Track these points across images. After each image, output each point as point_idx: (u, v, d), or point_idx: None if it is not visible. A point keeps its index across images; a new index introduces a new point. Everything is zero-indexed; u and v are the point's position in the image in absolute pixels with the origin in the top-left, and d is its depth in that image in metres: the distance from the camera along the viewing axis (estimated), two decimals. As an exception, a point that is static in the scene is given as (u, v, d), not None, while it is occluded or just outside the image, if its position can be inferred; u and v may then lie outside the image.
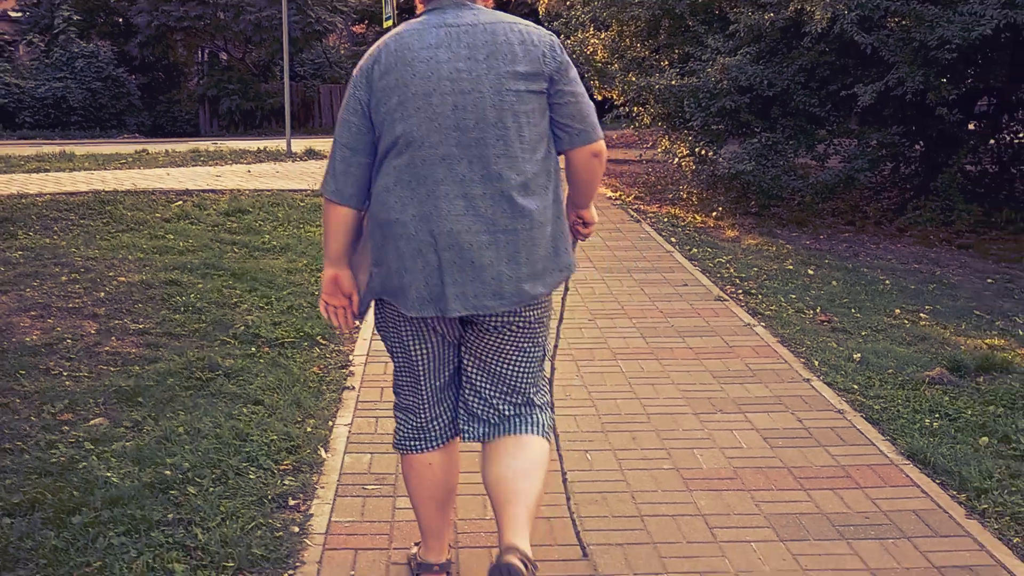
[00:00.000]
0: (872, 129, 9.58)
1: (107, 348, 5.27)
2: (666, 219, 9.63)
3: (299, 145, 15.44)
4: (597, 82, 11.44)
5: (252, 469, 3.84)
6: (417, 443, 2.94)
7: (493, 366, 2.87)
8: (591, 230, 3.11)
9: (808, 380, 5.00)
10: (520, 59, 2.62)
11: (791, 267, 7.66)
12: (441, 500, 2.98)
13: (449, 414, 2.98)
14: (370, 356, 5.30)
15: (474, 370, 2.89)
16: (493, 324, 2.76)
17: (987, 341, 5.79)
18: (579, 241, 3.14)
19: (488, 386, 2.89)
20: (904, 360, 5.33)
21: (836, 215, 10.13)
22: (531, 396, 2.93)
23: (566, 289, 3.18)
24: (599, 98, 11.98)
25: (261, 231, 8.40)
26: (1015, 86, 8.82)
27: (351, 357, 5.31)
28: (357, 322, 2.97)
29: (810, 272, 7.52)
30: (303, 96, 27.64)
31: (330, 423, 4.38)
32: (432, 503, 2.96)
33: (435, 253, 2.61)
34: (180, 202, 9.31)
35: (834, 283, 7.19)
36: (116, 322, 5.72)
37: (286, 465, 3.91)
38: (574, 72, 2.75)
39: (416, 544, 3.16)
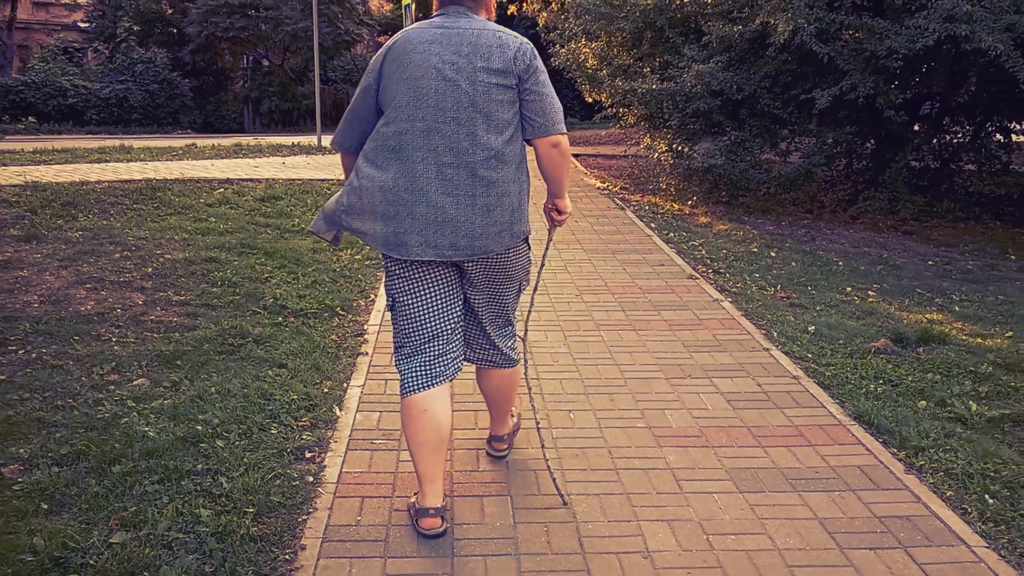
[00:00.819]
0: (828, 129, 9.45)
1: (152, 317, 5.18)
2: (647, 207, 9.50)
3: (329, 140, 15.28)
4: (588, 86, 11.31)
5: (274, 425, 3.76)
6: (419, 381, 2.98)
7: (484, 298, 3.09)
8: (564, 218, 3.17)
9: (768, 350, 4.90)
10: (495, 59, 2.80)
11: (756, 250, 7.54)
12: (435, 445, 2.96)
13: (447, 353, 3.03)
14: (383, 326, 5.21)
15: (473, 303, 3.11)
16: (477, 268, 2.96)
17: (927, 316, 5.69)
18: (556, 227, 3.23)
19: (481, 314, 3.14)
20: (853, 332, 5.23)
21: (796, 204, 9.98)
22: (509, 320, 3.24)
23: (548, 243, 3.49)
24: (590, 100, 11.88)
25: (291, 215, 8.29)
26: (954, 92, 8.66)
27: (366, 326, 5.22)
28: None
29: (772, 254, 7.40)
30: (334, 98, 27.47)
31: (345, 384, 4.29)
32: (427, 448, 2.95)
33: (412, 208, 2.81)
34: (221, 189, 9.19)
35: (793, 264, 7.08)
36: (161, 294, 5.62)
37: (304, 422, 3.83)
38: (543, 76, 2.89)
39: (415, 494, 3.10)
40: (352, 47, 27.97)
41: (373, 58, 2.95)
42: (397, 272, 2.95)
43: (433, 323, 2.99)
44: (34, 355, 4.47)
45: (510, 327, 3.26)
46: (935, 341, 5.07)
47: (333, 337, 4.99)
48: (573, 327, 5.26)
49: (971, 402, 4.15)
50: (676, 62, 9.75)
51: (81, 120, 22.33)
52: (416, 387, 2.97)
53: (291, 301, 5.54)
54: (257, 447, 3.53)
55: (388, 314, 3.13)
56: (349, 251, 7.00)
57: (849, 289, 6.36)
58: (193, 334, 4.87)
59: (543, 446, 3.42)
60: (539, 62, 2.89)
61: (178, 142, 15.47)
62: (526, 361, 3.42)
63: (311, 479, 3.33)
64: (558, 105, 2.92)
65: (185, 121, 24.19)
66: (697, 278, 6.46)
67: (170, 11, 25.54)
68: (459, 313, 3.07)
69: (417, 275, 2.93)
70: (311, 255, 6.76)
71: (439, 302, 2.98)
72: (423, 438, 2.94)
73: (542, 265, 3.40)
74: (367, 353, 4.74)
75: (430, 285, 2.95)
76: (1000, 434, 3.87)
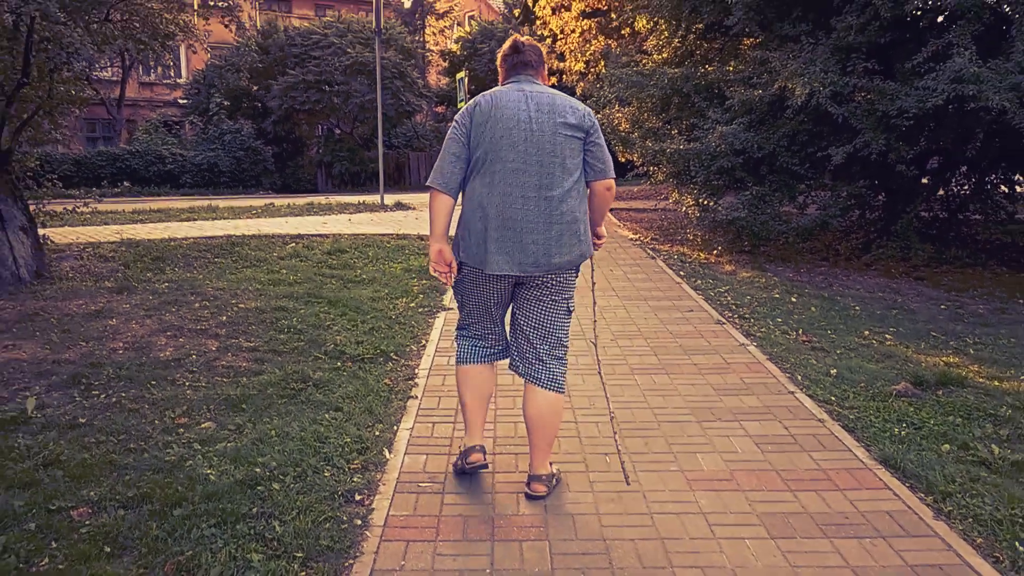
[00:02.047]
0: (843, 183, 9.12)
1: (223, 362, 5.04)
2: (676, 256, 9.23)
3: (391, 199, 15.29)
4: (621, 147, 11.11)
5: (327, 468, 3.56)
6: (471, 358, 3.47)
7: (533, 315, 3.31)
8: (602, 242, 3.56)
9: (793, 392, 4.59)
10: (569, 116, 3.19)
11: (778, 296, 7.22)
12: (481, 398, 3.46)
13: (493, 342, 3.47)
14: (432, 370, 5.01)
15: (522, 318, 3.34)
16: (534, 283, 3.24)
17: (944, 359, 5.33)
18: (596, 249, 3.50)
19: (530, 329, 3.32)
20: (874, 375, 4.89)
21: (813, 252, 9.63)
22: (559, 340, 3.35)
23: (592, 268, 3.83)
24: (623, 160, 11.68)
25: (354, 267, 8.18)
26: (961, 147, 8.30)
27: (417, 370, 5.02)
28: (455, 278, 3.34)
29: (793, 300, 7.07)
30: (396, 161, 27.69)
31: (395, 428, 4.08)
32: (475, 401, 3.45)
33: (501, 231, 3.14)
34: (293, 244, 9.14)
35: (813, 309, 6.74)
36: (233, 341, 5.50)
37: (356, 464, 3.62)
38: (600, 132, 3.29)
39: (460, 448, 3.59)
40: (412, 116, 28.22)
41: (459, 114, 3.26)
42: (471, 279, 3.31)
43: (487, 320, 3.41)
44: (114, 399, 4.35)
45: (559, 351, 3.37)
46: (954, 384, 4.72)
47: (386, 381, 4.80)
48: (609, 371, 5.00)
49: (993, 445, 3.80)
50: (701, 124, 9.53)
51: (177, 183, 22.71)
52: (466, 360, 3.47)
53: (349, 347, 5.37)
54: (310, 490, 3.33)
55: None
56: (404, 299, 6.84)
57: (867, 333, 6.02)
58: (259, 379, 4.71)
59: (614, 431, 3.75)
60: (597, 122, 3.28)
61: (258, 202, 15.59)
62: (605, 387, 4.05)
63: (359, 522, 3.11)
64: (610, 157, 3.31)
65: (267, 183, 24.48)
66: (724, 323, 6.17)
67: (255, 88, 25.98)
68: (504, 315, 3.44)
69: (487, 284, 3.28)
70: (371, 303, 6.61)
71: (496, 306, 3.37)
72: (474, 394, 3.44)
73: (593, 283, 3.95)
74: (416, 397, 4.53)
75: (494, 292, 3.31)
76: (1025, 478, 3.52)
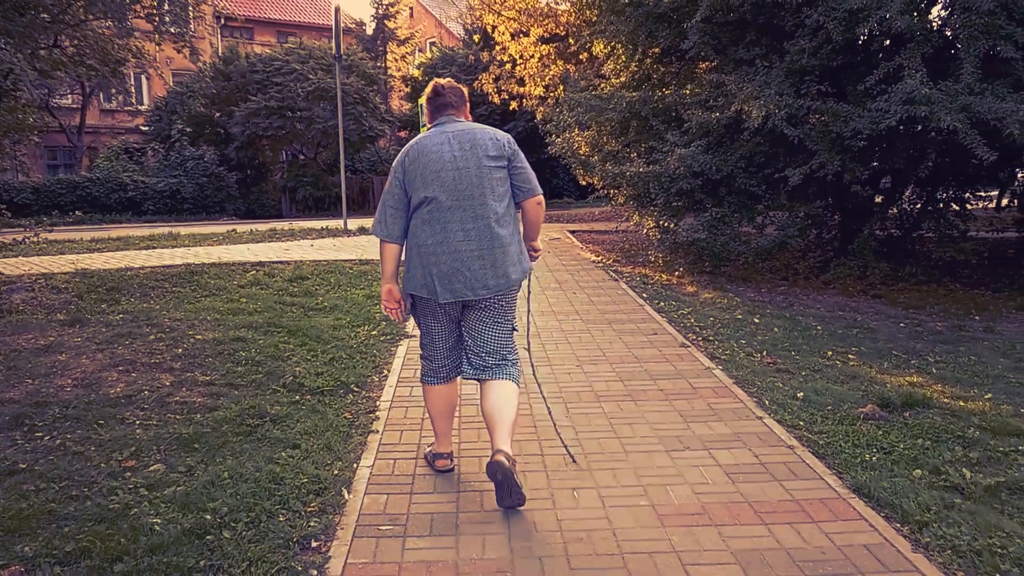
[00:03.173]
0: (800, 203, 9.09)
1: (177, 398, 4.77)
2: (638, 278, 9.11)
3: (354, 224, 15.02)
4: (581, 171, 11.02)
5: (282, 511, 3.31)
6: (434, 378, 3.66)
7: (479, 333, 3.54)
8: (539, 254, 3.81)
9: (761, 418, 4.44)
10: (491, 148, 3.42)
11: (740, 316, 7.11)
12: (446, 412, 3.71)
13: (452, 363, 3.65)
14: (394, 402, 4.78)
15: (469, 337, 3.56)
16: (480, 305, 3.48)
17: (907, 378, 5.23)
18: (534, 260, 3.79)
19: (476, 347, 3.54)
20: (840, 397, 4.78)
21: (773, 272, 9.58)
22: (505, 355, 3.56)
23: (529, 287, 4.05)
24: (583, 183, 11.59)
25: (316, 294, 7.92)
26: (914, 166, 8.32)
27: (378, 403, 4.78)
28: (406, 316, 3.63)
29: (756, 320, 6.97)
30: (360, 186, 27.41)
31: (355, 465, 3.85)
32: (441, 413, 3.69)
33: (447, 264, 3.36)
34: (254, 272, 8.85)
35: (776, 330, 6.64)
36: (188, 375, 5.22)
37: (313, 507, 3.38)
38: (522, 156, 3.54)
39: (430, 445, 3.87)
40: (376, 141, 27.96)
41: (395, 163, 3.47)
42: (426, 309, 3.54)
43: (449, 343, 3.61)
44: (59, 441, 4.06)
45: (511, 357, 3.57)
46: (920, 405, 4.61)
47: (346, 415, 4.56)
48: (575, 399, 4.82)
49: (965, 469, 3.68)
50: (660, 147, 9.45)
51: (139, 211, 22.16)
52: (430, 380, 3.66)
53: (309, 379, 5.13)
54: (263, 537, 3.08)
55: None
56: (366, 327, 6.61)
57: (830, 353, 5.92)
58: (214, 415, 4.45)
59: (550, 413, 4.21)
60: (516, 146, 3.53)
61: (220, 228, 15.21)
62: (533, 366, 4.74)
63: (315, 572, 2.88)
64: (534, 175, 3.56)
65: (230, 209, 24.01)
66: (688, 346, 6.03)
67: (217, 114, 25.53)
68: (458, 335, 3.61)
69: (440, 311, 3.51)
70: (331, 332, 6.36)
71: (452, 329, 3.59)
72: (439, 408, 3.68)
73: (529, 292, 4.17)
74: (377, 431, 4.30)
75: (448, 318, 3.54)
76: (999, 504, 3.40)
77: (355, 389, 5.03)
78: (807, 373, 5.36)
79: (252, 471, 3.67)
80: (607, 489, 3.54)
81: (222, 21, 33.85)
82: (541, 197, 3.54)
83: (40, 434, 4.14)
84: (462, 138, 3.40)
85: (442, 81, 3.57)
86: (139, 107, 29.59)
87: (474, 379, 3.55)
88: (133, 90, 29.53)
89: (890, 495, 3.41)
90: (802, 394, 4.84)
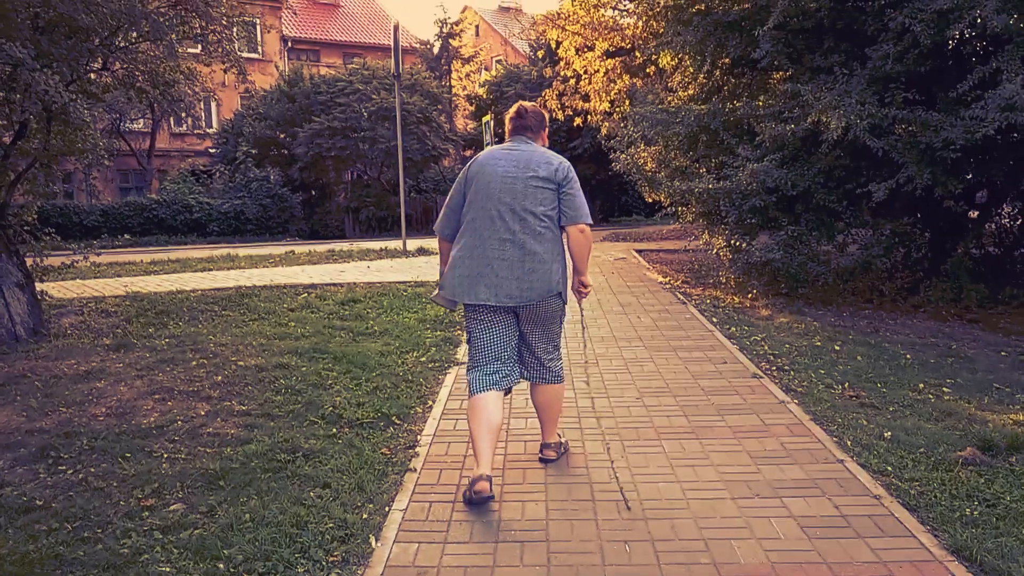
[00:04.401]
0: (885, 220, 8.56)
1: (210, 429, 4.62)
2: (708, 300, 8.71)
3: (414, 244, 14.96)
4: (647, 187, 10.66)
5: (302, 561, 3.09)
6: (475, 386, 3.78)
7: (531, 337, 3.87)
8: (588, 291, 3.98)
9: (842, 461, 4.04)
10: (540, 171, 3.75)
11: (819, 343, 6.66)
12: (489, 430, 3.67)
13: (495, 372, 3.80)
14: (436, 436, 4.53)
15: (523, 342, 3.89)
16: (525, 313, 3.78)
17: (1012, 417, 4.73)
18: (583, 298, 4.01)
19: (528, 350, 3.90)
20: (934, 438, 4.32)
21: (856, 294, 9.02)
22: (555, 347, 3.96)
23: (583, 320, 4.33)
24: (649, 200, 11.23)
25: (367, 317, 7.76)
26: (1015, 178, 7.73)
27: (419, 437, 4.54)
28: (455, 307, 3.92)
29: (836, 348, 6.50)
30: (424, 206, 27.49)
31: (387, 508, 3.60)
32: (484, 431, 3.65)
33: (476, 269, 3.69)
34: (305, 294, 8.77)
35: (859, 358, 6.17)
36: (225, 403, 5.08)
37: (336, 556, 3.15)
38: (576, 184, 3.79)
39: (470, 473, 3.79)
40: (439, 160, 28.04)
41: (463, 169, 3.85)
42: (471, 315, 3.82)
43: (493, 349, 3.81)
44: (81, 475, 3.93)
45: (555, 353, 3.96)
46: (1028, 448, 4.13)
47: (384, 450, 4.33)
48: (632, 436, 4.49)
49: (1086, 527, 3.22)
50: (731, 162, 9.05)
51: (204, 232, 22.63)
52: (478, 390, 3.77)
53: (349, 410, 4.92)
54: (278, 592, 2.85)
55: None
56: (415, 353, 6.40)
57: (922, 386, 5.44)
58: (245, 449, 4.27)
59: (614, 472, 3.96)
60: (574, 174, 3.82)
61: (279, 249, 15.34)
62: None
63: (330, 635, 2.63)
64: (585, 204, 3.79)
65: (294, 230, 24.34)
66: (761, 376, 5.63)
67: (282, 135, 26.01)
68: (514, 344, 3.88)
69: (485, 316, 3.78)
70: (378, 358, 6.17)
71: (498, 335, 3.81)
72: (483, 425, 3.67)
73: (584, 328, 4.56)
74: (415, 469, 4.05)
75: (493, 323, 3.79)
76: None
77: (396, 421, 4.81)
78: (895, 409, 4.92)
79: (276, 513, 3.46)
80: (663, 543, 3.21)
81: (289, 44, 34.69)
82: (585, 226, 3.76)
83: (64, 467, 4.03)
84: (519, 157, 3.77)
85: (527, 104, 3.98)
86: (208, 130, 30.41)
87: (527, 379, 3.98)
88: (202, 113, 30.44)
89: (996, 559, 2.99)
90: (890, 433, 4.40)
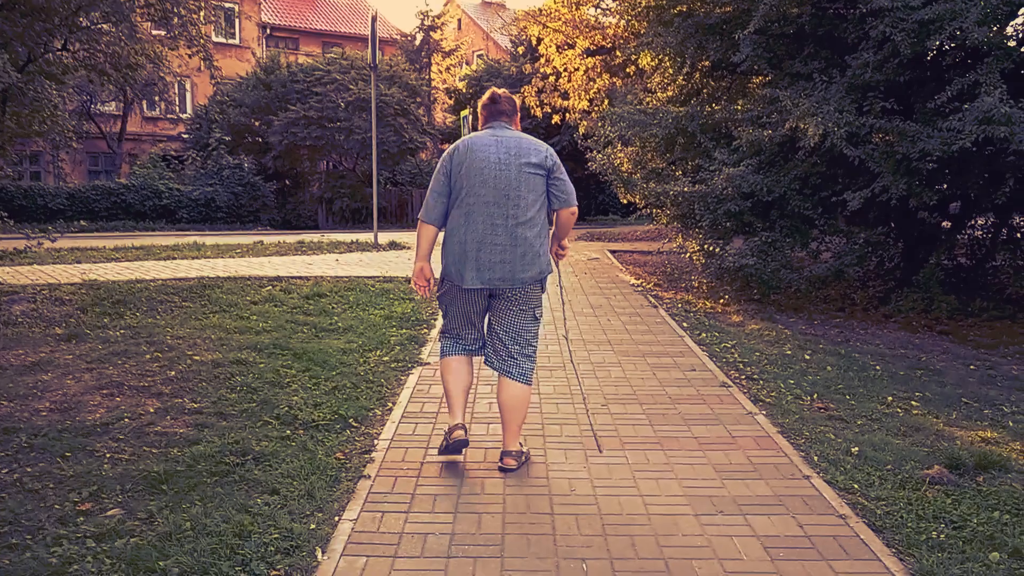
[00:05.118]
0: (859, 229, 8.53)
1: (158, 428, 4.45)
2: (680, 304, 8.62)
3: (386, 238, 14.77)
4: (622, 188, 10.56)
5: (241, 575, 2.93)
6: (451, 350, 4.08)
7: (505, 320, 3.96)
8: (566, 252, 4.22)
9: (808, 477, 3.94)
10: (532, 157, 3.85)
11: (789, 351, 6.59)
12: (462, 385, 4.04)
13: (471, 341, 4.09)
14: (393, 441, 4.38)
15: (496, 324, 3.99)
16: (504, 295, 3.90)
17: (980, 434, 4.67)
18: (561, 259, 4.25)
19: (502, 331, 3.97)
20: (901, 454, 4.25)
21: (828, 302, 9.00)
22: (528, 340, 3.99)
23: (562, 294, 4.95)
24: (624, 201, 11.14)
25: (332, 313, 7.59)
26: (989, 191, 7.72)
27: (376, 441, 4.39)
28: (433, 295, 4.20)
29: (807, 357, 6.44)
30: (399, 198, 27.28)
31: (336, 517, 3.45)
32: (456, 387, 4.02)
33: (475, 253, 3.80)
34: (270, 287, 8.57)
35: (829, 368, 6.11)
36: (176, 400, 4.91)
37: (278, 570, 2.99)
38: (563, 169, 3.94)
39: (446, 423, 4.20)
40: (416, 153, 27.80)
41: (443, 156, 3.91)
42: (454, 292, 3.95)
43: (466, 324, 4.05)
44: (16, 475, 3.75)
45: (528, 350, 4.00)
46: (996, 467, 4.07)
47: (338, 455, 4.18)
48: (596, 445, 4.37)
49: (1053, 553, 3.15)
50: (707, 165, 8.98)
51: (173, 219, 22.25)
52: (449, 352, 4.08)
53: (305, 411, 4.77)
54: (213, 608, 2.70)
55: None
56: (378, 352, 6.25)
57: (890, 399, 5.38)
58: (192, 450, 4.10)
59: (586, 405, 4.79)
60: (559, 160, 3.94)
61: (247, 239, 15.07)
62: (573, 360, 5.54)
63: (265, 657, 2.48)
64: (572, 187, 3.96)
65: (266, 219, 24.00)
66: (730, 386, 5.54)
67: (256, 123, 25.65)
68: (482, 320, 4.08)
69: (464, 295, 3.93)
70: (339, 356, 6.01)
71: (472, 310, 4.00)
72: (451, 383, 4.03)
73: (560, 283, 4.83)
74: (370, 476, 3.91)
75: (470, 301, 3.95)
76: (1097, 602, 2.87)
77: (354, 424, 4.66)
78: (863, 422, 4.85)
79: (219, 522, 3.30)
80: (622, 561, 3.09)
81: (267, 31, 34.24)
82: (575, 209, 3.97)
83: (-1, 466, 3.84)
84: (508, 143, 3.84)
85: (499, 90, 4.05)
86: (181, 115, 29.91)
87: (496, 369, 4.00)
88: (176, 97, 29.93)
89: (962, 586, 2.91)
90: (857, 448, 4.33)
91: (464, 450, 4.12)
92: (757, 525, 3.41)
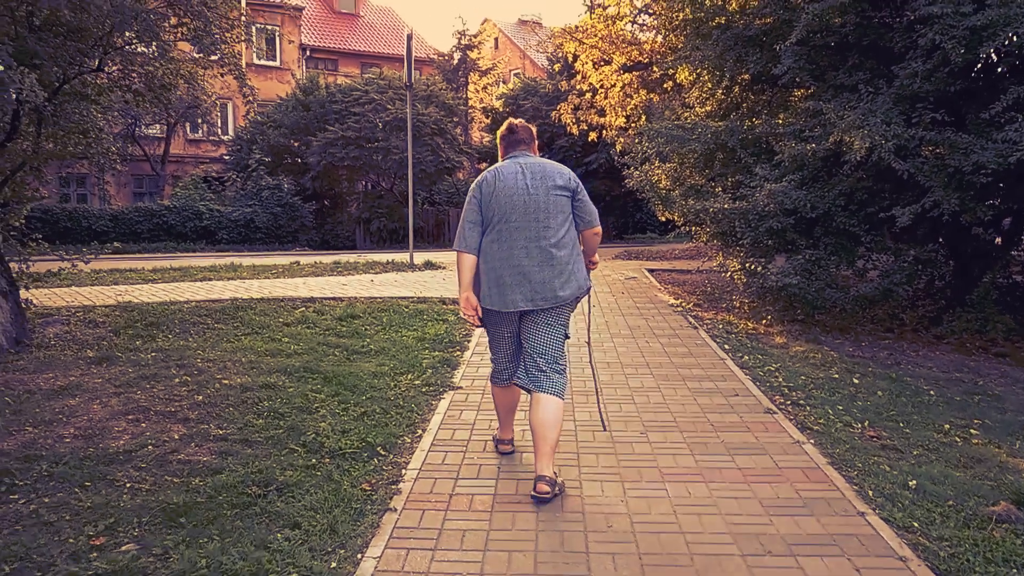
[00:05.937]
0: (908, 246, 8.18)
1: (181, 456, 4.32)
2: (721, 325, 8.34)
3: (421, 257, 14.67)
4: (661, 206, 10.32)
5: (256, 620, 2.76)
6: (497, 380, 4.27)
7: (534, 335, 4.01)
8: (595, 264, 4.32)
9: (863, 514, 3.67)
10: (558, 179, 4.00)
11: (837, 375, 6.28)
12: (509, 408, 4.38)
13: (514, 368, 4.17)
14: (422, 471, 4.20)
15: (525, 341, 4.04)
16: (538, 313, 3.98)
17: (1048, 466, 4.35)
18: (592, 269, 4.31)
19: (531, 348, 4.01)
20: (964, 489, 3.95)
21: (875, 322, 8.65)
22: (556, 358, 4.01)
23: (589, 301, 4.61)
24: (662, 219, 10.89)
25: (364, 335, 7.45)
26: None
27: (404, 471, 4.21)
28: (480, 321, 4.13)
29: (855, 381, 6.13)
30: (436, 218, 27.26)
31: (359, 555, 3.27)
32: (505, 409, 4.38)
33: (510, 277, 3.92)
34: (303, 308, 8.47)
35: (879, 393, 5.80)
36: (202, 426, 4.78)
37: (295, 614, 2.82)
38: (583, 190, 4.09)
39: (495, 432, 4.61)
40: (453, 173, 27.81)
41: (472, 186, 4.07)
42: (494, 319, 4.08)
43: (506, 348, 4.17)
44: (33, 506, 3.64)
45: (557, 366, 4.01)
46: (1068, 504, 3.76)
47: (365, 486, 4.00)
48: (635, 476, 4.15)
49: None
50: (748, 181, 8.71)
51: (213, 239, 22.45)
52: (495, 382, 4.29)
53: (332, 438, 4.61)
54: (224, 657, 2.53)
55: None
56: (409, 375, 6.08)
57: (947, 426, 5.06)
58: (214, 479, 3.97)
59: (597, 388, 5.26)
60: (580, 182, 4.10)
61: (284, 260, 15.08)
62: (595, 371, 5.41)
63: None
64: (594, 208, 4.12)
65: (304, 240, 24.13)
66: (775, 412, 5.26)
67: (295, 144, 25.86)
68: (517, 341, 4.14)
69: (500, 318, 4.05)
70: (369, 380, 5.86)
71: (511, 336, 4.12)
72: (504, 404, 4.35)
73: (590, 308, 5.08)
74: (396, 509, 3.72)
75: (507, 326, 4.08)
76: None
77: (382, 452, 4.48)
78: (920, 453, 4.55)
79: (236, 559, 3.14)
80: (662, 609, 2.86)
81: (307, 52, 34.64)
82: (599, 228, 4.17)
83: (16, 496, 3.73)
84: (534, 169, 3.99)
85: (516, 121, 4.21)
86: (223, 137, 30.29)
87: (525, 388, 4.00)
88: (218, 119, 30.35)
89: (1041, 642, 2.63)
90: (915, 482, 4.04)
91: (495, 482, 3.95)
92: (810, 568, 3.15)
